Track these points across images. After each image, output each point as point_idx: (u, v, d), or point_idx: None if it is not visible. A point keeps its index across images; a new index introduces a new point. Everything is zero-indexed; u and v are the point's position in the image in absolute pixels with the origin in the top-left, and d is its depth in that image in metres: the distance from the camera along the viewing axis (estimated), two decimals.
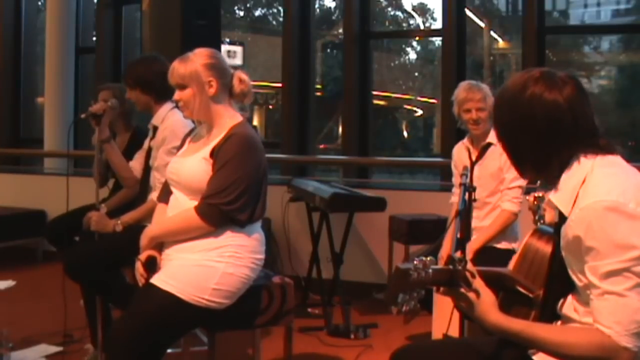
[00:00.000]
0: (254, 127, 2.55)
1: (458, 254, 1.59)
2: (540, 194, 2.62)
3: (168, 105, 3.19)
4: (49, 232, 3.90)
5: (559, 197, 1.57)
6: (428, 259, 1.53)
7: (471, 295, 1.56)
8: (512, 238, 3.33)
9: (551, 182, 1.60)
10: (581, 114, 1.56)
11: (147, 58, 3.38)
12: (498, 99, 1.65)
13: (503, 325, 1.54)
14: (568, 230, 1.52)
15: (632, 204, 1.46)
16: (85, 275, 3.09)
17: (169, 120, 3.13)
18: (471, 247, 3.10)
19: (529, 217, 2.65)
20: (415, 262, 1.53)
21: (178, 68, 2.45)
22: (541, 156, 1.57)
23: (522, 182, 3.24)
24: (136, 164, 3.43)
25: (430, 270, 1.53)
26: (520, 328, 1.53)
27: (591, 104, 1.60)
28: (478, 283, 1.58)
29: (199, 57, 2.46)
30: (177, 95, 2.47)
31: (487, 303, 1.56)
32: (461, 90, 3.37)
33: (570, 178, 1.55)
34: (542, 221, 2.48)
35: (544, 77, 1.57)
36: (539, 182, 2.28)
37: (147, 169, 3.26)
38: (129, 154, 3.50)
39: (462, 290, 1.56)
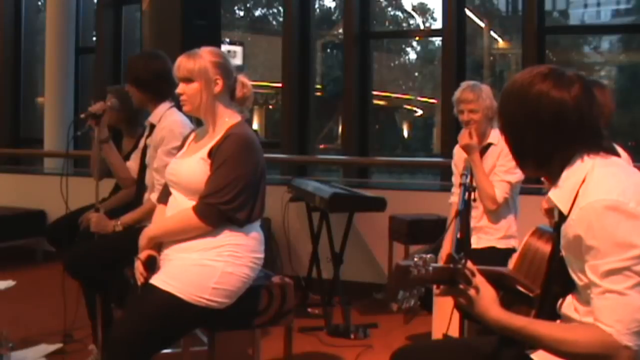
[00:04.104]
0: (255, 131, 2.56)
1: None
2: None
3: (166, 105, 3.18)
4: (50, 234, 3.90)
5: (558, 196, 1.57)
6: (428, 256, 1.53)
7: (471, 292, 1.56)
8: (511, 238, 3.32)
9: (552, 178, 1.60)
10: (587, 114, 1.56)
11: (148, 55, 3.34)
12: (505, 93, 1.64)
13: (504, 321, 1.54)
14: (568, 230, 1.52)
15: (632, 203, 1.46)
16: (84, 273, 3.09)
17: (167, 120, 3.12)
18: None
19: (529, 217, 2.65)
20: (415, 259, 1.53)
21: (186, 62, 2.45)
22: (544, 152, 1.58)
23: (513, 179, 3.22)
24: (133, 164, 3.43)
25: (431, 268, 1.53)
26: (521, 324, 1.53)
27: (597, 105, 1.60)
28: (479, 280, 1.58)
29: (208, 54, 2.47)
30: (181, 88, 2.47)
31: (487, 299, 1.56)
32: (458, 91, 3.38)
33: (570, 176, 1.55)
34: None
35: (553, 74, 1.58)
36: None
37: (143, 168, 3.26)
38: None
39: (462, 287, 1.56)
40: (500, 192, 3.22)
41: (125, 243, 2.86)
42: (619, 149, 1.74)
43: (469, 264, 1.58)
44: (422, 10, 10.30)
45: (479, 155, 3.38)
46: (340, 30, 7.21)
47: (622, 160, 1.61)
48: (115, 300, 3.23)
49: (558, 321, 1.63)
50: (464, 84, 3.40)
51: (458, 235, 2.33)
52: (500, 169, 3.24)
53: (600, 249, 1.45)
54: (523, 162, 1.65)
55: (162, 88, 3.14)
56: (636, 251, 1.43)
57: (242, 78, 2.55)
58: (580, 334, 1.49)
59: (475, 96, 3.29)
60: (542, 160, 1.59)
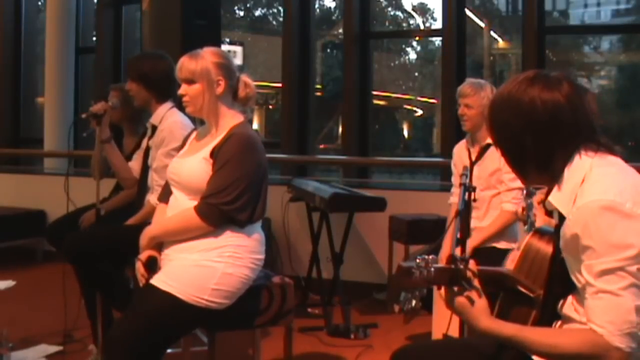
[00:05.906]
0: (256, 131, 2.55)
1: (458, 250, 1.59)
2: (530, 201, 2.61)
3: (167, 105, 3.19)
4: (50, 234, 3.90)
5: (558, 199, 1.57)
6: (430, 257, 1.53)
7: (473, 294, 1.56)
8: (511, 238, 3.32)
9: (554, 180, 1.59)
10: (581, 110, 1.56)
11: (154, 55, 3.33)
12: (495, 105, 1.63)
13: (494, 331, 1.55)
14: (566, 230, 1.52)
15: (628, 204, 1.46)
16: (82, 258, 3.06)
17: (168, 121, 3.12)
18: (470, 244, 3.10)
19: None
20: (417, 260, 1.53)
21: (188, 63, 2.44)
22: (544, 155, 1.57)
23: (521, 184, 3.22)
24: (135, 165, 3.43)
25: (432, 269, 1.53)
26: (511, 333, 1.53)
27: (590, 101, 1.60)
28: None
29: (210, 55, 2.46)
30: (183, 89, 2.46)
31: (478, 309, 1.57)
32: (460, 86, 3.39)
33: (571, 177, 1.55)
34: (533, 228, 2.47)
35: (539, 77, 1.58)
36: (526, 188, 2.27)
37: (145, 169, 3.26)
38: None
39: (467, 294, 1.56)
40: (511, 201, 3.21)
41: (125, 235, 2.85)
42: None
43: (471, 264, 1.58)
44: (422, 10, 10.32)
45: (479, 155, 3.38)
46: (340, 30, 7.22)
47: (620, 159, 1.61)
48: (114, 304, 3.22)
49: (559, 322, 1.63)
50: (468, 80, 3.41)
51: (458, 236, 2.33)
52: (507, 176, 3.22)
53: (596, 249, 1.45)
54: (524, 171, 1.63)
55: (169, 88, 3.14)
56: (631, 252, 1.43)
57: (244, 78, 2.54)
58: (570, 336, 1.49)
59: (473, 91, 3.29)
60: (543, 163, 1.58)
